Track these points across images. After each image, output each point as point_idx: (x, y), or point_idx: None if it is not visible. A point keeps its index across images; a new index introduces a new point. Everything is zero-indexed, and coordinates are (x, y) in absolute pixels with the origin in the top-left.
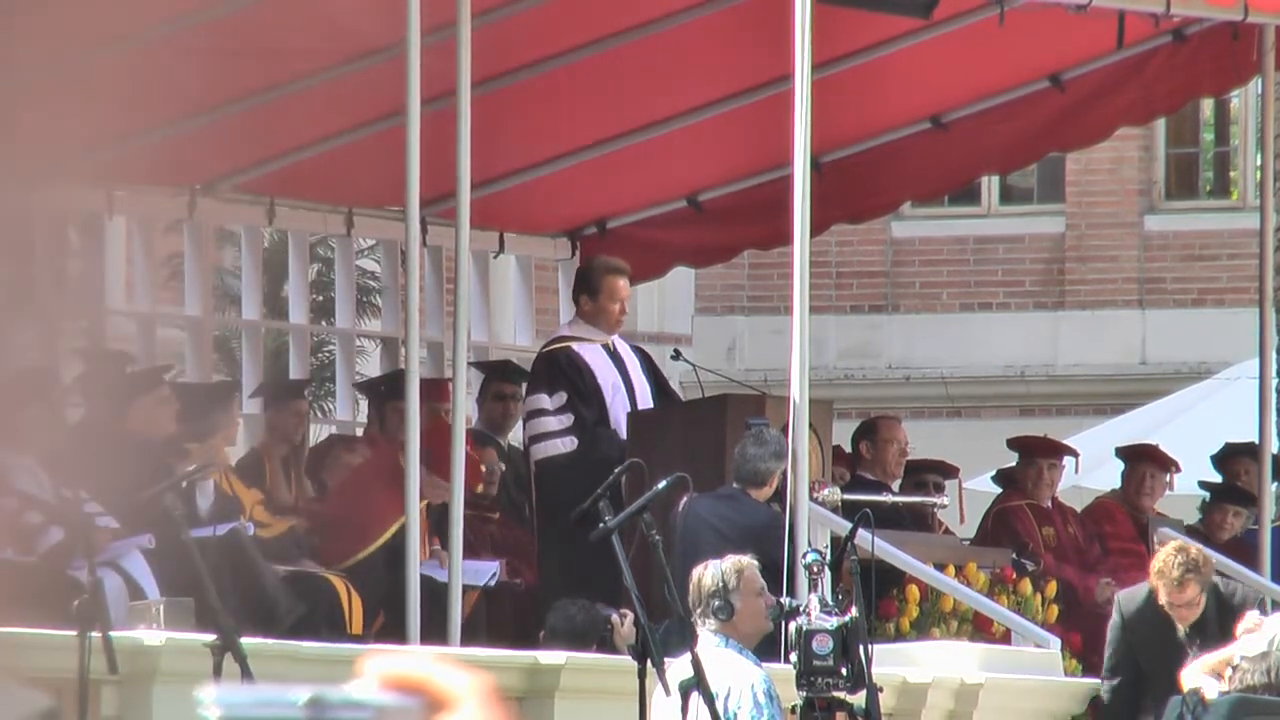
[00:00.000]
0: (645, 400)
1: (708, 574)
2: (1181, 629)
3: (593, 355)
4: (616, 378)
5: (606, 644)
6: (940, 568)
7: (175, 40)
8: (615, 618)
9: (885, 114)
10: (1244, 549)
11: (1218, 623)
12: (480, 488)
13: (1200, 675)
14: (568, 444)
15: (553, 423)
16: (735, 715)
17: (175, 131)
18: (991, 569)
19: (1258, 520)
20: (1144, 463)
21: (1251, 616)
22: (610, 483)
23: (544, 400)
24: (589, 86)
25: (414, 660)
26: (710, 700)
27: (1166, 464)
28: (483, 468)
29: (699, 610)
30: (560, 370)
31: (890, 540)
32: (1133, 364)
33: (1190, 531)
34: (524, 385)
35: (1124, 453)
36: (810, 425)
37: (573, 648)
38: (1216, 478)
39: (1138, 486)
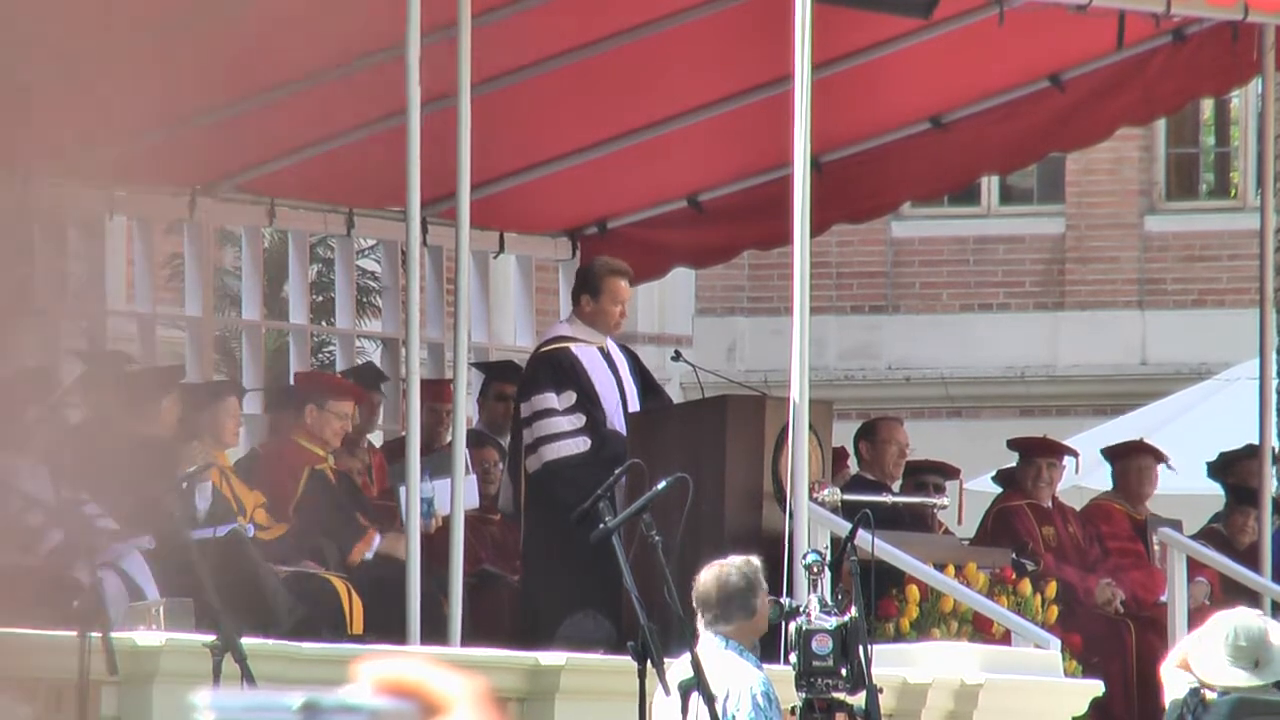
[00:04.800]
0: (633, 403)
1: (733, 573)
2: None
3: (590, 359)
4: (611, 383)
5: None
6: (940, 568)
7: (176, 39)
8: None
9: (885, 114)
10: (1246, 549)
11: None
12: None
13: (1175, 670)
14: (580, 444)
15: (564, 423)
16: (734, 718)
17: (176, 131)
18: (991, 569)
19: (1258, 520)
20: (1136, 456)
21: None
22: (610, 484)
23: (552, 400)
24: (589, 86)
25: (409, 664)
26: (710, 701)
27: (1158, 456)
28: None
29: (714, 611)
30: (564, 370)
31: (890, 541)
32: (1133, 364)
33: (1210, 533)
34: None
35: (1112, 451)
36: (810, 426)
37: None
38: (1215, 485)
39: (1136, 478)
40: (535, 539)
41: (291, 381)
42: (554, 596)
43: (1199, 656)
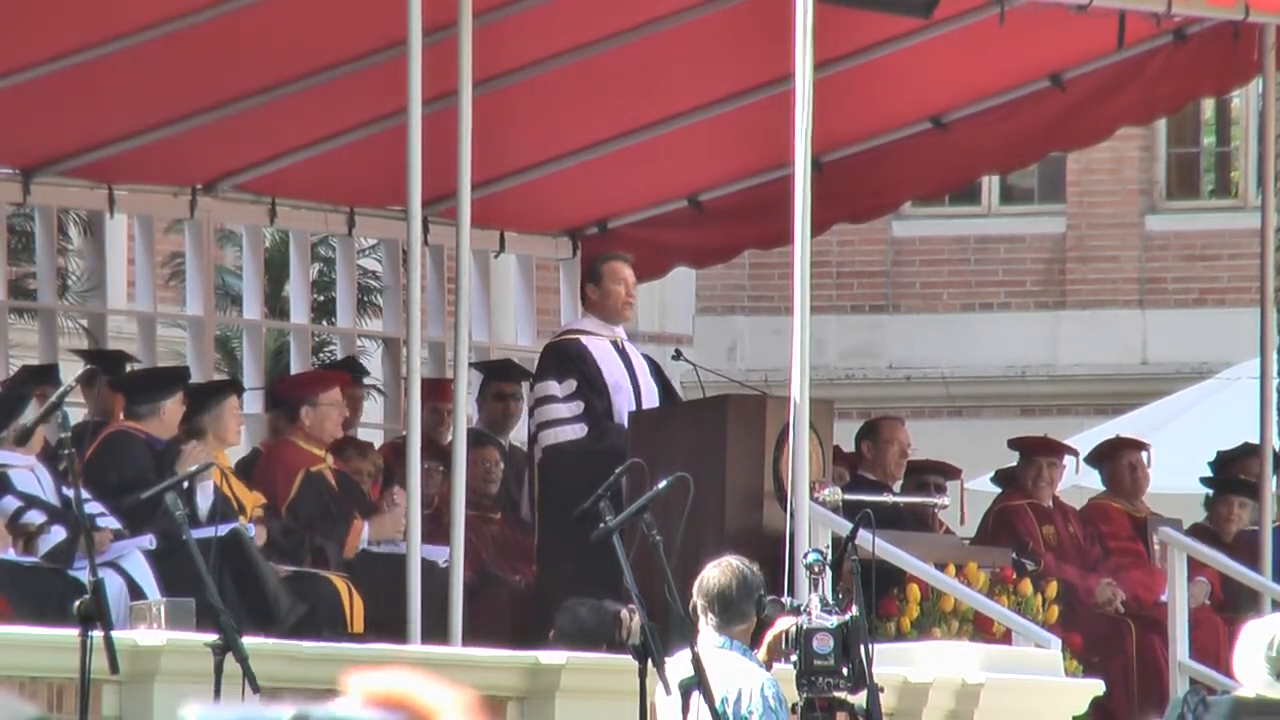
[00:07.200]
0: (651, 402)
1: (748, 572)
2: None
3: (600, 350)
4: (623, 375)
5: (617, 643)
6: (941, 567)
7: (176, 40)
8: (624, 613)
9: (885, 114)
10: (1245, 548)
11: None
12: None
13: None
14: (577, 430)
15: (562, 409)
16: (748, 719)
17: (177, 131)
18: (992, 569)
19: (1259, 520)
20: (1122, 454)
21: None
22: (611, 483)
23: (553, 387)
24: (589, 86)
25: (398, 676)
26: (711, 699)
27: (1140, 447)
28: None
29: (728, 610)
30: (569, 359)
31: (891, 540)
32: (1133, 364)
33: (1198, 529)
34: (523, 384)
35: (1097, 455)
36: (811, 425)
37: (583, 648)
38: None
39: (1129, 475)
40: (546, 533)
41: (276, 389)
42: (565, 591)
43: (1240, 655)
